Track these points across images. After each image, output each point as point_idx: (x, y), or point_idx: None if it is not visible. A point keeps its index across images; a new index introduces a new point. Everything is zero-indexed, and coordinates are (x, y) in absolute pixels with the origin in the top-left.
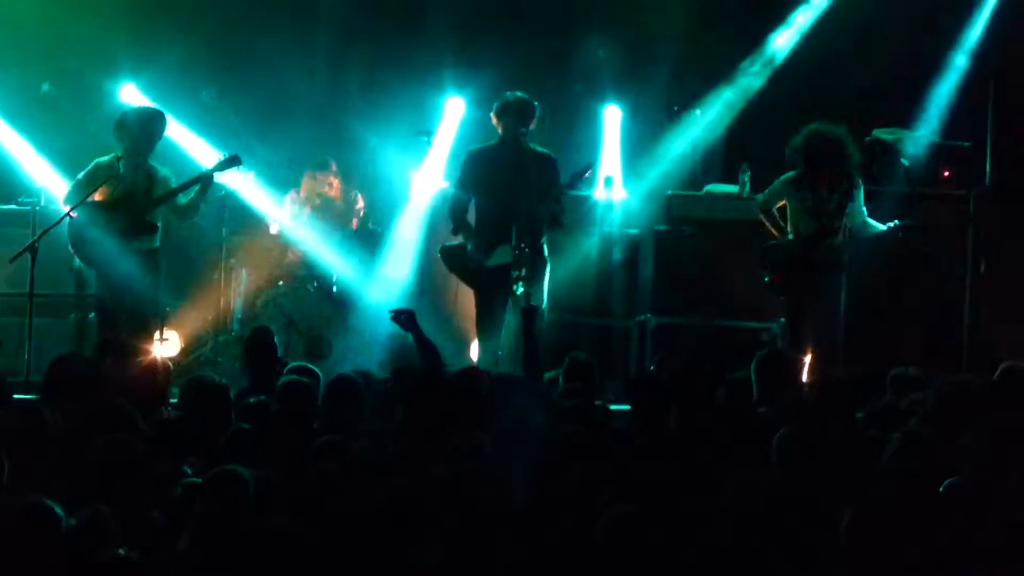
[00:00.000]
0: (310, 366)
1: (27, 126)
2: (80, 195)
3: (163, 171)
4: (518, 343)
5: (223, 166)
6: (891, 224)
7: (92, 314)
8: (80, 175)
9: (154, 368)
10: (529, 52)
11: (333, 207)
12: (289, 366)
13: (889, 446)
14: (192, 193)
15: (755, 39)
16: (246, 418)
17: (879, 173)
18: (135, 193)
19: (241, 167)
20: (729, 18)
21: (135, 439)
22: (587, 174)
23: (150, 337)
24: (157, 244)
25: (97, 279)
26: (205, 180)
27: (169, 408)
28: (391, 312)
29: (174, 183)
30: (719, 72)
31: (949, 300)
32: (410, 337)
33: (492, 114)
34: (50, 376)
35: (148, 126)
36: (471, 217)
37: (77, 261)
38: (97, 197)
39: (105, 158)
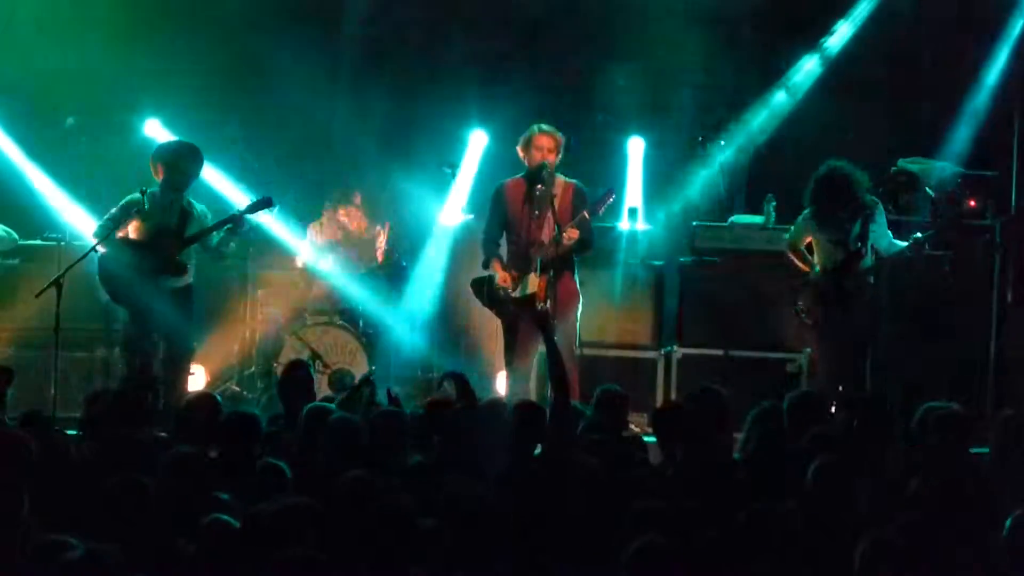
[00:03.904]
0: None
1: (52, 161)
2: (108, 230)
3: (199, 208)
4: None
5: (255, 208)
6: (915, 236)
7: (118, 348)
8: (112, 210)
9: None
10: (551, 84)
11: (356, 240)
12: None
13: (914, 479)
14: (223, 232)
15: (779, 68)
16: (271, 451)
17: (905, 203)
18: (165, 231)
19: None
20: (752, 47)
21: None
22: (609, 200)
23: (184, 373)
24: (190, 281)
25: (127, 316)
26: (236, 221)
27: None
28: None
29: (210, 221)
30: (743, 102)
31: (976, 330)
32: (434, 370)
33: (519, 147)
34: (89, 410)
35: (180, 162)
36: (502, 249)
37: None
38: (132, 234)
39: (136, 194)
